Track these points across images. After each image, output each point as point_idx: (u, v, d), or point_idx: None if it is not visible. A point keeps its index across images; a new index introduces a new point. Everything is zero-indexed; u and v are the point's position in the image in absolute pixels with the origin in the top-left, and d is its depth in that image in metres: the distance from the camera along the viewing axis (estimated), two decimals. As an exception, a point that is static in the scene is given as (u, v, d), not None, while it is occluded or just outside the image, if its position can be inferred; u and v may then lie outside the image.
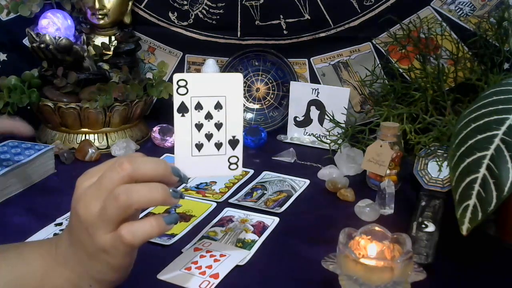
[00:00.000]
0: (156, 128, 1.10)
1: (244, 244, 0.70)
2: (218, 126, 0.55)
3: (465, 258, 0.69)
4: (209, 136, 0.55)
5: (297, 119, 1.16)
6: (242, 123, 0.56)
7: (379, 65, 1.14)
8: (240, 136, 0.56)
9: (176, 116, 0.53)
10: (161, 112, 1.24)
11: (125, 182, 0.47)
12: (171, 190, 0.49)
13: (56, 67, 1.03)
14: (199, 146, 0.55)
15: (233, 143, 0.56)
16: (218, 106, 0.54)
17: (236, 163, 0.57)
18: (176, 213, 0.53)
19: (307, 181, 0.92)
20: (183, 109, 0.53)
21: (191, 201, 0.83)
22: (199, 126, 0.54)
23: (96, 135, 1.06)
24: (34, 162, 0.89)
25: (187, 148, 0.54)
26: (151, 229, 0.49)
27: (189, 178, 0.54)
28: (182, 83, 0.53)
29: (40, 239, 0.69)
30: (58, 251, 0.51)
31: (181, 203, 0.80)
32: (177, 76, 0.53)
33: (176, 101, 0.53)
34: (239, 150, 0.56)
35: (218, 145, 0.55)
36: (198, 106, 0.54)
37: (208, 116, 0.54)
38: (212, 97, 0.54)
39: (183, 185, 0.58)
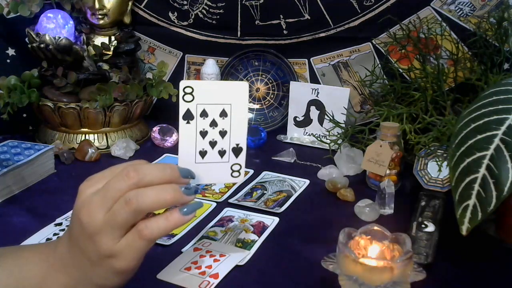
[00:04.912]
0: (156, 128, 1.10)
1: (244, 244, 0.70)
2: (223, 133, 0.55)
3: (464, 258, 0.69)
4: (213, 144, 0.55)
5: (297, 119, 1.16)
6: (247, 131, 0.56)
7: (379, 65, 1.14)
8: (243, 144, 0.56)
9: (182, 123, 0.54)
10: (161, 112, 1.24)
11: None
12: (182, 188, 0.49)
13: (56, 67, 1.04)
14: (202, 153, 0.55)
15: (237, 151, 0.56)
16: (223, 114, 0.54)
17: (238, 171, 0.57)
18: (200, 202, 0.52)
19: (307, 181, 0.92)
20: (188, 116, 0.54)
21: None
22: (203, 134, 0.54)
23: (96, 135, 1.06)
24: (34, 162, 0.89)
25: (191, 155, 0.55)
26: (167, 222, 0.49)
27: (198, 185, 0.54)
28: (188, 90, 0.53)
29: (38, 243, 0.69)
30: (57, 256, 0.51)
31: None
32: (183, 83, 0.53)
33: (182, 108, 0.53)
34: (242, 158, 0.56)
35: (222, 153, 0.56)
36: (204, 114, 0.54)
37: (213, 123, 0.54)
38: (218, 105, 0.54)
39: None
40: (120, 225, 0.47)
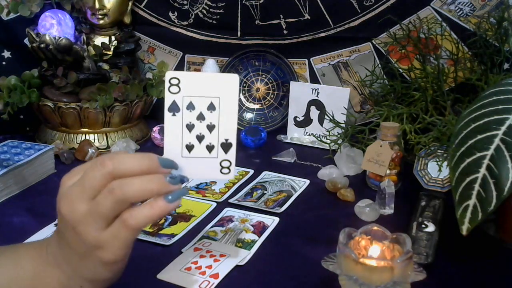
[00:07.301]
0: (156, 128, 1.10)
1: (244, 244, 0.70)
2: (210, 128, 0.53)
3: (465, 258, 0.69)
4: (200, 138, 0.53)
5: (297, 119, 1.16)
6: (236, 126, 0.54)
7: (379, 65, 1.14)
8: (233, 140, 0.54)
9: (167, 115, 0.52)
10: (161, 112, 1.23)
11: (107, 179, 0.47)
12: (167, 178, 0.48)
13: (56, 67, 1.04)
14: (189, 147, 0.53)
15: (226, 146, 0.54)
16: (211, 107, 0.53)
17: (228, 167, 0.55)
18: (185, 188, 0.51)
19: (307, 181, 0.92)
20: (174, 108, 0.52)
21: (191, 201, 0.83)
22: (190, 127, 0.53)
23: (96, 135, 1.06)
24: (34, 162, 0.89)
25: (177, 148, 0.53)
26: (152, 210, 0.48)
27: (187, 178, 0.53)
28: (174, 81, 0.51)
29: (33, 241, 0.69)
30: (49, 252, 0.51)
31: (181, 203, 0.80)
32: (169, 74, 0.51)
33: (168, 100, 0.52)
34: (232, 154, 0.54)
35: (210, 148, 0.54)
36: (190, 106, 0.52)
37: (200, 117, 0.53)
38: (206, 98, 0.52)
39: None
40: (103, 215, 0.47)
